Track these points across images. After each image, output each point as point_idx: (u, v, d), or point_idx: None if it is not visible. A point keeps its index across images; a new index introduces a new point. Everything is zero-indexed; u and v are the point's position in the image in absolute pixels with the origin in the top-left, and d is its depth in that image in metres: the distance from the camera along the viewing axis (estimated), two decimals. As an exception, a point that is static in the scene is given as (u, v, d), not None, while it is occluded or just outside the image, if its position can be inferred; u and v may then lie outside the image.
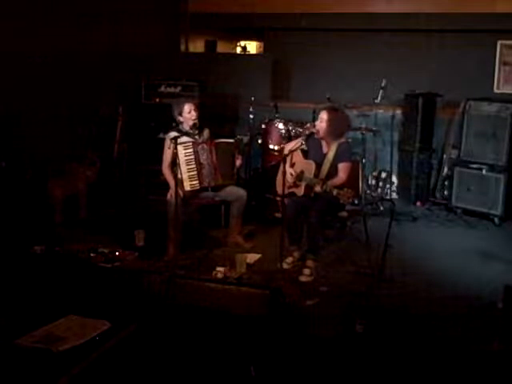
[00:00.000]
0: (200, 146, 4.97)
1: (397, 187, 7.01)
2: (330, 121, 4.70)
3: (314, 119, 5.01)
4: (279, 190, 4.98)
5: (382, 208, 6.41)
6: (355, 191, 4.59)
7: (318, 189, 4.52)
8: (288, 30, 7.71)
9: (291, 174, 4.72)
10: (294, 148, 4.73)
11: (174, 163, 4.73)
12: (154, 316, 3.17)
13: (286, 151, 4.77)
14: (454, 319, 3.91)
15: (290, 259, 4.82)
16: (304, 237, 4.84)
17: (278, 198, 5.24)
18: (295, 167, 4.77)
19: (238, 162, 5.18)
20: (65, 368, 2.58)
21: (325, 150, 4.82)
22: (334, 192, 4.37)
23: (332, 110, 4.79)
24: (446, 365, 3.32)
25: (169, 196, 4.89)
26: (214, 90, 7.24)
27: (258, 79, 7.35)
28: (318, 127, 4.74)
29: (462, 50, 6.89)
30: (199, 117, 5.07)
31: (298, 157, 4.82)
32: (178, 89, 6.95)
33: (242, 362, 2.82)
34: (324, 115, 4.72)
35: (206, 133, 5.20)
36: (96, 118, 6.50)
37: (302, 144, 4.73)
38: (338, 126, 4.78)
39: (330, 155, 4.75)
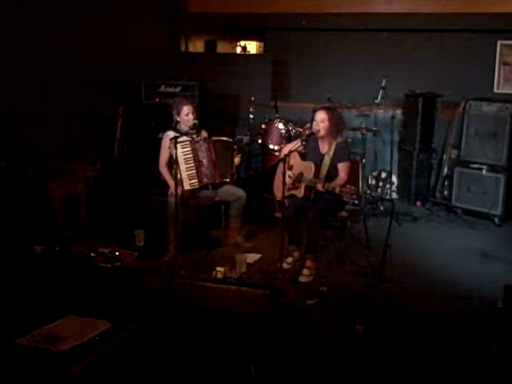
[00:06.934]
0: (198, 144, 4.99)
1: (397, 187, 7.01)
2: (330, 119, 4.70)
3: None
4: (277, 192, 4.98)
5: (382, 208, 6.41)
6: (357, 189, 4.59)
7: (319, 187, 4.52)
8: (288, 29, 7.70)
9: (290, 177, 4.70)
10: (294, 149, 4.73)
11: (171, 163, 4.75)
12: (154, 316, 3.17)
13: (284, 152, 4.75)
14: (454, 319, 3.90)
15: (289, 259, 4.82)
16: (304, 237, 4.84)
17: (278, 198, 5.23)
18: (293, 169, 4.75)
19: (237, 161, 5.18)
20: (65, 368, 2.58)
21: (322, 150, 4.81)
22: (337, 190, 4.38)
23: (329, 109, 4.80)
24: (445, 364, 3.32)
25: (169, 193, 4.89)
26: (214, 90, 7.25)
27: (258, 79, 7.34)
28: (318, 127, 4.72)
29: (462, 50, 6.88)
30: (198, 117, 5.08)
31: (295, 159, 4.79)
32: (178, 89, 6.96)
33: (242, 361, 2.82)
34: (324, 115, 4.71)
35: (204, 133, 5.20)
36: (96, 117, 6.50)
37: (300, 145, 4.73)
38: (338, 124, 4.81)
39: (329, 155, 4.75)
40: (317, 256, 4.74)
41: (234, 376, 2.80)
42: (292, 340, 3.44)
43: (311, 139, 4.78)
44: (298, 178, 4.69)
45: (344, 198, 4.41)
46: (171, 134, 4.94)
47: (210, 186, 5.08)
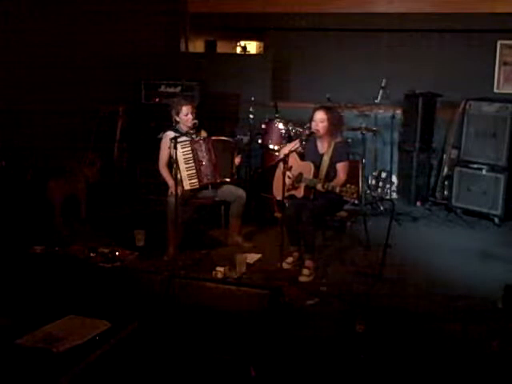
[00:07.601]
0: (197, 144, 4.99)
1: (397, 187, 7.01)
2: (329, 119, 4.70)
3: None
4: (276, 192, 4.97)
5: (381, 208, 6.42)
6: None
7: (319, 187, 4.52)
8: (288, 29, 7.71)
9: (289, 177, 4.70)
10: (293, 149, 4.73)
11: (171, 163, 4.75)
12: (154, 316, 3.17)
13: (284, 152, 4.74)
14: (453, 319, 3.91)
15: (289, 259, 4.82)
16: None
17: (278, 198, 5.24)
18: (292, 170, 4.74)
19: (237, 161, 5.18)
20: (65, 368, 2.57)
21: (321, 150, 4.81)
22: (337, 189, 4.38)
23: (328, 109, 4.81)
24: (446, 365, 3.32)
25: (169, 193, 4.89)
26: (214, 89, 7.25)
27: (258, 79, 7.34)
28: (317, 127, 4.72)
29: (462, 50, 6.88)
30: (198, 117, 5.07)
31: (294, 159, 4.77)
32: (178, 89, 6.95)
33: (242, 361, 2.82)
34: (323, 114, 4.71)
35: (203, 133, 5.20)
36: (96, 118, 6.50)
37: (300, 146, 4.73)
38: (337, 124, 4.82)
39: (328, 155, 4.74)
40: (317, 256, 4.74)
41: (233, 376, 2.80)
42: (292, 340, 3.44)
43: (310, 139, 4.78)
44: (298, 179, 4.69)
45: (344, 198, 4.40)
46: (171, 134, 4.94)
47: (209, 186, 5.08)
